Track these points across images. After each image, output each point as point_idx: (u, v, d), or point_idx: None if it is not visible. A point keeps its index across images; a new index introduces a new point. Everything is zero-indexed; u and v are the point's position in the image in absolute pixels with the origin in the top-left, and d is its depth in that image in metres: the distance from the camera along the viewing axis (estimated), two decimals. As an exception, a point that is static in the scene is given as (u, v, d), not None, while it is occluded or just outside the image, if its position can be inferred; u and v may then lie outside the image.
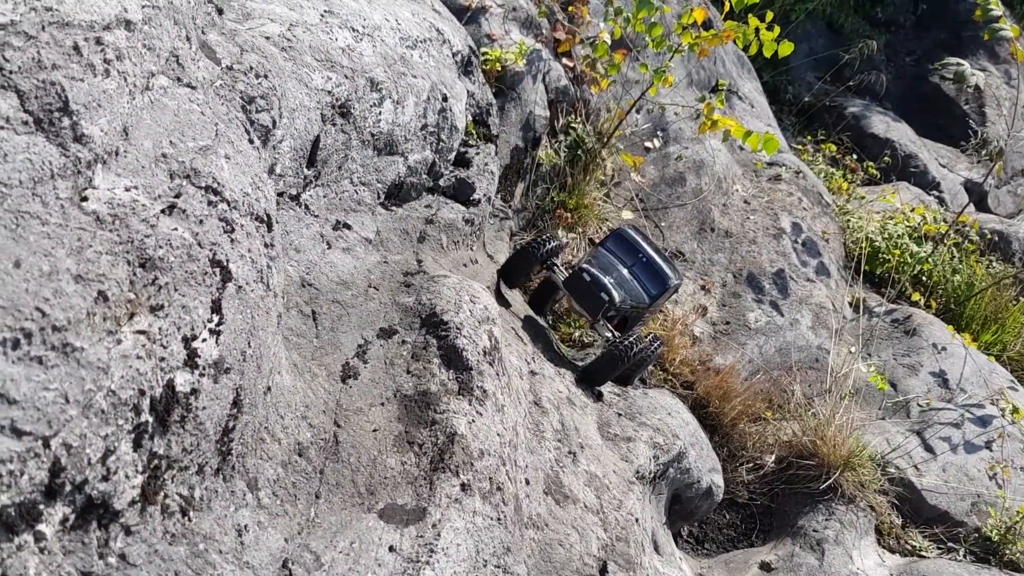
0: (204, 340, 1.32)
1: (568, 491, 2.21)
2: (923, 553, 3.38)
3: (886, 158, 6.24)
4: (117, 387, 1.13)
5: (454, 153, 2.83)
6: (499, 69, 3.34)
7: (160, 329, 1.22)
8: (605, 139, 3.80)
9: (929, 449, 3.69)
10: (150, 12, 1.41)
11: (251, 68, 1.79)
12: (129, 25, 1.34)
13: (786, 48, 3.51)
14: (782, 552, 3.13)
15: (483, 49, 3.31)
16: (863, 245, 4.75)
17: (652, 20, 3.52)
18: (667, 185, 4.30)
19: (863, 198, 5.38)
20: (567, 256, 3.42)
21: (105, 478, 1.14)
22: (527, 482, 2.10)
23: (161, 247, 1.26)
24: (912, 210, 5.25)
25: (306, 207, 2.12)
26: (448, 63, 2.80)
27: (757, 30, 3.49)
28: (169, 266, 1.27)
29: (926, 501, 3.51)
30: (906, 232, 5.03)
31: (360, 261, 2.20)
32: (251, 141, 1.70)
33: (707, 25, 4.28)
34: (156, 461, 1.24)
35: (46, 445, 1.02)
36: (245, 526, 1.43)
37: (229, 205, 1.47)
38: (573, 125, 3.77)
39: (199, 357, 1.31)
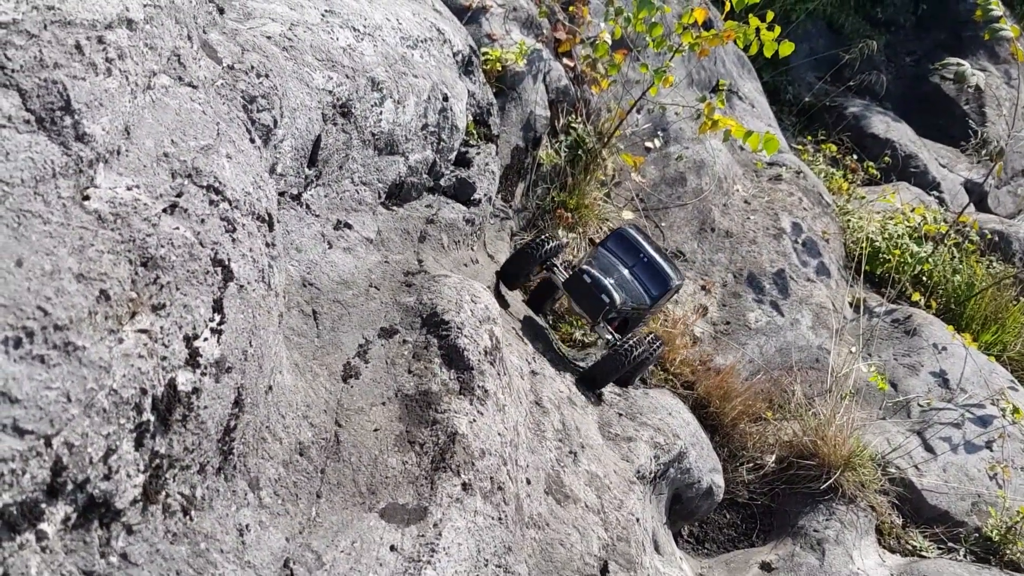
0: (206, 339, 1.32)
1: (569, 491, 2.21)
2: (923, 553, 3.38)
3: (886, 158, 6.25)
4: (119, 386, 1.12)
5: (455, 153, 2.83)
6: (500, 69, 3.34)
7: (162, 328, 1.22)
8: (606, 139, 3.80)
9: (929, 449, 3.69)
10: (152, 11, 1.41)
11: (252, 67, 1.79)
12: (131, 24, 1.34)
13: (787, 48, 3.51)
14: (782, 552, 3.13)
15: (484, 49, 3.31)
16: (863, 245, 4.75)
17: (653, 20, 3.52)
18: (667, 185, 4.30)
19: (863, 198, 5.39)
20: (567, 256, 3.42)
21: (107, 477, 1.14)
22: (528, 482, 2.10)
23: (163, 246, 1.26)
24: (912, 210, 5.25)
25: (307, 207, 2.12)
26: (449, 63, 2.80)
27: (758, 30, 3.49)
28: (171, 265, 1.27)
29: (926, 501, 3.51)
30: (906, 232, 5.03)
31: (361, 261, 2.19)
32: (252, 140, 1.70)
33: (707, 25, 4.28)
34: (158, 460, 1.24)
35: (48, 444, 1.02)
36: (246, 525, 1.43)
37: (231, 204, 1.47)
38: (574, 125, 3.77)
39: (201, 356, 1.31)
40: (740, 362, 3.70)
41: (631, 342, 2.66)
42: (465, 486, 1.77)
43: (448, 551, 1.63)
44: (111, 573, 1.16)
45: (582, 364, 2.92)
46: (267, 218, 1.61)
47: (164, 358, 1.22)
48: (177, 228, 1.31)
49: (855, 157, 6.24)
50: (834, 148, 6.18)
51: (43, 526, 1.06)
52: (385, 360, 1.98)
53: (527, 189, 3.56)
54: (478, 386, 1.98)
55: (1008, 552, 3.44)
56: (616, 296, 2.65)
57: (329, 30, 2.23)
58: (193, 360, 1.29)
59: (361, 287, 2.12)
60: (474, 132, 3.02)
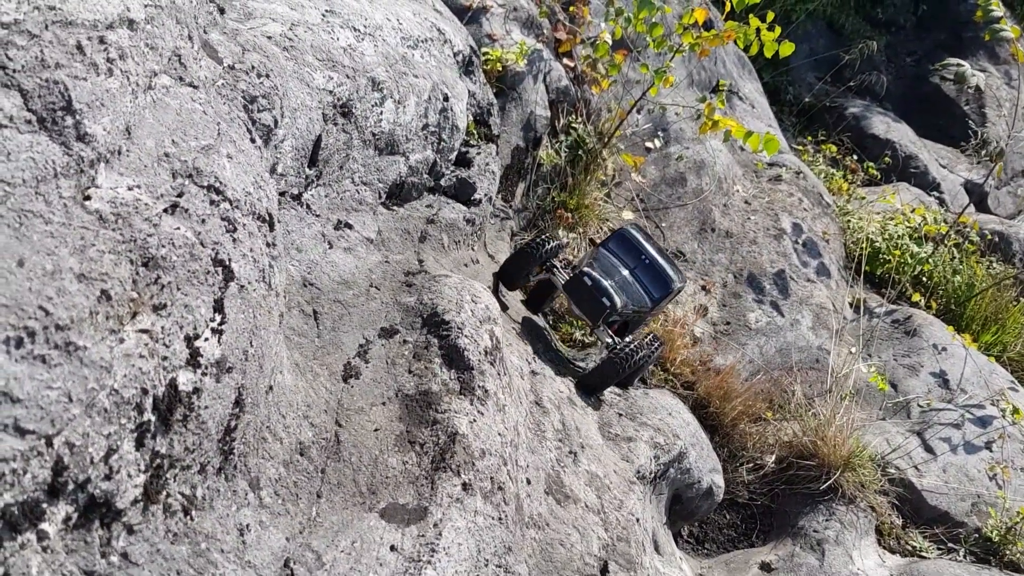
0: (206, 339, 1.32)
1: (569, 491, 2.21)
2: (923, 553, 3.38)
3: (886, 159, 6.25)
4: (120, 386, 1.13)
5: (455, 153, 2.83)
6: (500, 69, 3.34)
7: (163, 328, 1.23)
8: (606, 139, 3.80)
9: (929, 450, 3.69)
10: (152, 11, 1.41)
11: (253, 67, 1.79)
12: (132, 24, 1.34)
13: (787, 48, 3.51)
14: (782, 552, 3.13)
15: (484, 49, 3.31)
16: (863, 246, 4.75)
17: (653, 20, 3.52)
18: (668, 185, 4.30)
19: (863, 199, 5.39)
20: (567, 255, 3.41)
21: (108, 477, 1.14)
22: (528, 482, 2.10)
23: (164, 246, 1.26)
24: (912, 211, 5.25)
25: (308, 207, 2.13)
26: (449, 63, 2.81)
27: (758, 30, 3.49)
28: (172, 265, 1.27)
29: (926, 501, 3.51)
30: (906, 233, 5.04)
31: (361, 261, 2.20)
32: (253, 140, 1.70)
33: (708, 25, 4.29)
34: (158, 460, 1.25)
35: (49, 444, 1.02)
36: (247, 525, 1.43)
37: (231, 204, 1.47)
38: (574, 125, 3.77)
39: (201, 356, 1.31)
40: (740, 362, 3.71)
41: (630, 346, 2.62)
42: (465, 486, 1.77)
43: (448, 551, 1.64)
44: (112, 573, 1.17)
45: (582, 364, 2.92)
46: (268, 218, 1.62)
47: (165, 358, 1.22)
48: (178, 228, 1.31)
49: (855, 157, 6.25)
50: (834, 149, 6.19)
51: (44, 526, 1.06)
52: (385, 360, 1.98)
53: (527, 189, 3.57)
54: (478, 386, 1.98)
55: (1008, 553, 3.44)
56: (617, 299, 2.61)
57: (330, 30, 2.24)
58: (194, 360, 1.29)
59: (361, 287, 2.13)
60: (474, 132, 3.03)
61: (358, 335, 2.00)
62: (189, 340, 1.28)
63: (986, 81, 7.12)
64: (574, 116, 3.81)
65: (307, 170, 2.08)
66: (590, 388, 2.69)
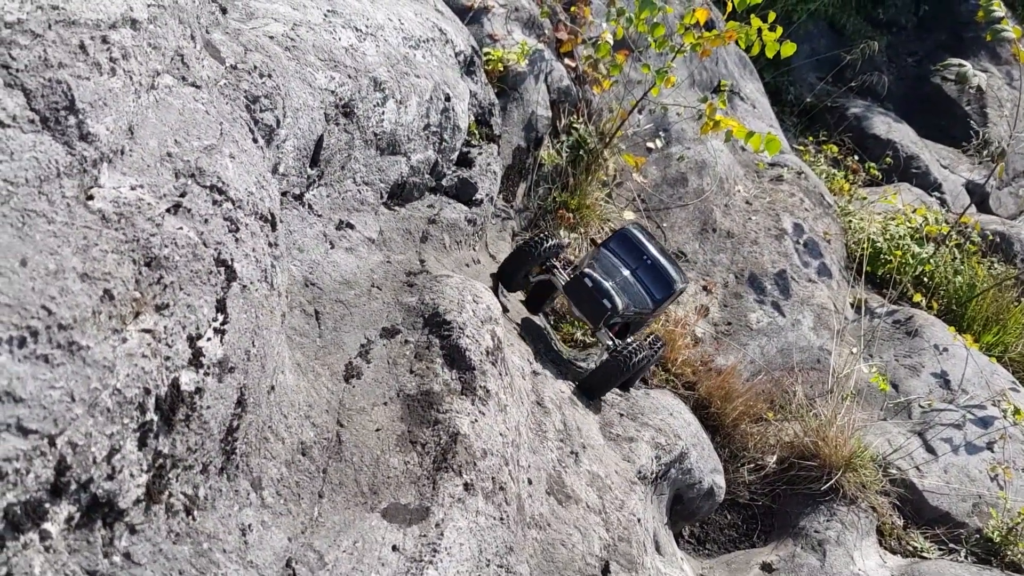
0: (209, 339, 1.32)
1: (570, 491, 2.21)
2: (924, 554, 3.38)
3: (887, 159, 6.24)
4: (123, 386, 1.13)
5: (457, 153, 2.83)
6: (501, 69, 3.34)
7: (165, 328, 1.23)
8: (607, 139, 3.80)
9: (931, 450, 3.69)
10: (155, 11, 1.41)
11: (255, 67, 1.79)
12: (135, 24, 1.34)
13: (789, 49, 3.51)
14: (783, 553, 3.13)
15: (485, 49, 3.31)
16: (865, 246, 4.75)
17: (654, 20, 3.52)
18: (669, 185, 4.30)
19: (865, 199, 5.39)
20: (567, 255, 3.41)
21: (110, 477, 1.14)
22: (529, 482, 2.10)
23: (166, 246, 1.26)
24: (914, 211, 5.25)
25: (309, 207, 2.13)
26: (451, 63, 2.80)
27: (760, 31, 3.49)
28: (174, 265, 1.27)
29: (927, 502, 3.51)
30: (908, 233, 5.03)
31: (363, 261, 2.20)
32: (255, 140, 1.70)
33: (709, 26, 4.29)
34: (161, 460, 1.25)
35: (52, 444, 1.02)
36: (249, 525, 1.43)
37: (234, 204, 1.47)
38: (575, 125, 3.77)
39: (204, 356, 1.31)
40: (741, 363, 3.71)
41: (630, 348, 2.59)
42: (467, 486, 1.77)
43: (450, 551, 1.64)
44: (114, 573, 1.17)
45: (583, 364, 2.92)
46: (270, 218, 1.62)
47: (168, 358, 1.22)
48: (181, 228, 1.31)
49: (856, 158, 6.24)
50: (835, 149, 6.18)
51: (47, 526, 1.06)
52: (387, 360, 1.98)
53: (529, 189, 3.57)
54: (480, 386, 1.98)
55: (1009, 553, 3.44)
56: (618, 301, 2.57)
57: (331, 30, 2.24)
58: (196, 360, 1.29)
59: (363, 287, 2.13)
60: (476, 132, 3.02)
61: (360, 335, 2.00)
62: (191, 340, 1.28)
63: (987, 81, 7.11)
64: (575, 116, 3.81)
65: (309, 170, 2.08)
66: (589, 391, 2.66)
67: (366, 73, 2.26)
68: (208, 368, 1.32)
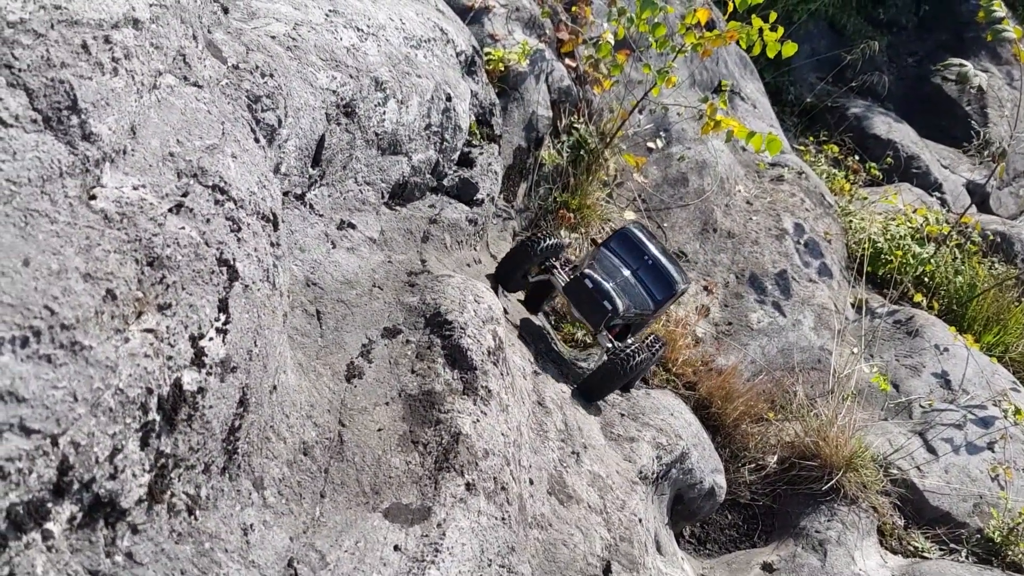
0: (211, 339, 1.32)
1: (572, 491, 2.21)
2: (925, 554, 3.38)
3: (888, 159, 6.24)
4: (125, 385, 1.13)
5: (458, 153, 2.83)
6: (502, 69, 3.34)
7: (168, 328, 1.23)
8: (608, 139, 3.80)
9: (931, 450, 3.69)
10: (157, 11, 1.41)
11: (257, 67, 1.79)
12: (137, 24, 1.34)
13: (790, 49, 3.51)
14: (784, 553, 3.13)
15: (486, 49, 3.31)
16: (865, 246, 4.75)
17: (656, 20, 3.51)
18: (670, 185, 4.30)
19: (865, 199, 5.39)
20: (567, 255, 3.40)
21: (112, 476, 1.14)
22: (531, 482, 2.10)
23: (169, 246, 1.26)
24: (914, 211, 5.25)
25: (311, 206, 2.12)
26: (452, 63, 2.80)
27: (760, 31, 3.49)
28: (176, 265, 1.27)
29: (928, 502, 3.51)
30: (908, 233, 5.03)
31: (364, 260, 2.20)
32: (257, 140, 1.70)
33: (710, 26, 4.29)
34: (163, 460, 1.25)
35: (54, 443, 1.02)
36: (251, 525, 1.43)
37: (236, 204, 1.47)
38: (576, 125, 3.77)
39: (206, 356, 1.31)
40: (742, 363, 3.71)
41: (629, 351, 2.55)
42: (469, 486, 1.77)
43: (452, 551, 1.64)
44: (116, 572, 1.17)
45: (584, 364, 2.92)
46: (272, 218, 1.62)
47: (170, 358, 1.22)
48: (183, 228, 1.31)
49: (857, 158, 6.24)
50: (836, 149, 6.18)
51: (49, 525, 1.06)
52: (388, 360, 1.98)
53: (529, 189, 3.57)
54: (481, 386, 1.98)
55: (1010, 553, 3.44)
56: (619, 302, 2.54)
57: (333, 30, 2.24)
58: (199, 360, 1.29)
59: (364, 287, 2.13)
60: (477, 132, 3.02)
61: (361, 335, 2.00)
62: (194, 340, 1.28)
63: (988, 81, 7.12)
64: (576, 116, 3.81)
65: (310, 170, 2.08)
66: (588, 394, 2.63)
67: (367, 73, 2.26)
68: (210, 368, 1.32)
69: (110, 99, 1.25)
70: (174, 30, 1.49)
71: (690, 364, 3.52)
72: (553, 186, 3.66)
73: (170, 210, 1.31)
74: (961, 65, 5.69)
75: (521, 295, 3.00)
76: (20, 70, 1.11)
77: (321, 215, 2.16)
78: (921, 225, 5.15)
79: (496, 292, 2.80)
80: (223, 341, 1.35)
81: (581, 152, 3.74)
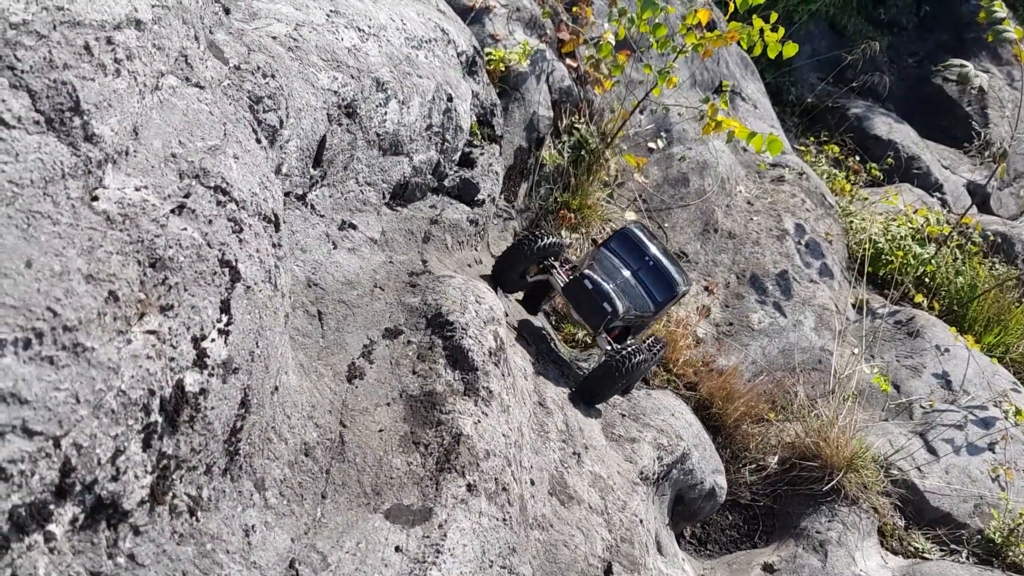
0: (213, 340, 1.32)
1: (573, 492, 2.21)
2: (926, 555, 3.38)
3: (889, 159, 6.24)
4: (127, 387, 1.13)
5: (459, 153, 2.83)
6: (503, 69, 3.34)
7: (170, 329, 1.23)
8: (609, 140, 3.80)
9: (932, 451, 3.69)
10: (160, 12, 1.41)
11: (258, 68, 1.79)
12: (139, 25, 1.34)
13: (791, 49, 3.51)
14: (785, 553, 3.13)
15: (487, 49, 3.31)
16: (866, 246, 4.75)
17: (656, 21, 3.51)
18: (670, 186, 4.30)
19: (866, 199, 5.39)
20: (567, 255, 3.39)
21: (115, 478, 1.14)
22: (532, 483, 2.10)
23: (171, 247, 1.26)
24: (915, 212, 5.25)
25: (312, 207, 2.12)
26: (453, 63, 2.80)
27: (761, 31, 3.49)
28: (179, 266, 1.27)
29: (929, 503, 3.51)
30: (909, 234, 5.04)
31: (366, 261, 2.20)
32: (259, 141, 1.70)
33: (711, 26, 4.29)
34: (165, 461, 1.24)
35: (57, 445, 1.02)
36: (252, 526, 1.43)
37: (238, 205, 1.47)
38: (577, 125, 3.77)
39: (208, 357, 1.31)
40: (743, 363, 3.70)
41: (627, 352, 2.51)
42: (470, 487, 1.77)
43: (453, 552, 1.64)
44: (118, 574, 1.17)
45: (584, 364, 2.91)
46: (273, 219, 1.62)
47: (172, 359, 1.22)
48: (185, 229, 1.31)
49: (858, 158, 6.24)
50: (837, 149, 6.18)
51: (51, 527, 1.06)
52: (390, 361, 1.98)
53: (530, 189, 3.56)
54: (483, 387, 1.98)
55: (1011, 554, 3.44)
56: (619, 304, 2.50)
57: (334, 30, 2.23)
58: (201, 361, 1.29)
59: (366, 287, 2.12)
60: (478, 132, 3.02)
61: (362, 336, 2.00)
62: (196, 341, 1.28)
63: (989, 82, 7.12)
64: (577, 116, 3.81)
65: (312, 170, 2.08)
66: (587, 398, 2.60)
67: (369, 73, 2.26)
68: (212, 369, 1.32)
69: (112, 100, 1.25)
70: (176, 31, 1.49)
71: (691, 364, 3.52)
72: (554, 186, 3.66)
73: (172, 211, 1.31)
74: (962, 66, 5.69)
75: (520, 295, 2.98)
76: (23, 71, 1.11)
77: (322, 216, 2.16)
78: (922, 226, 5.15)
79: (496, 291, 2.79)
80: (225, 342, 1.35)
81: (582, 152, 3.73)
